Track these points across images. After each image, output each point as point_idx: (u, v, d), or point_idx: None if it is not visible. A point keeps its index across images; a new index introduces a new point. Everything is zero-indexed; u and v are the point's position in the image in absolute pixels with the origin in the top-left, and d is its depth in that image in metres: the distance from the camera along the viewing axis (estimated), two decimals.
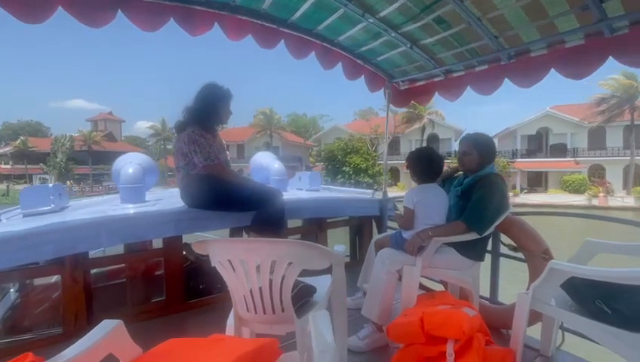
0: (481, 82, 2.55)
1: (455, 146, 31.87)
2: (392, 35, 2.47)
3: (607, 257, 1.61)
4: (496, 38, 2.20)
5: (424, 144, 32.73)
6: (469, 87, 2.63)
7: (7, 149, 43.59)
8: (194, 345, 0.99)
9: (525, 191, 26.90)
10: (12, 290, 2.71)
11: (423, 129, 31.37)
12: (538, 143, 30.42)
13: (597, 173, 26.96)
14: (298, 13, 2.33)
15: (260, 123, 37.32)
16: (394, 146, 33.24)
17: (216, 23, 2.20)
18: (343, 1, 2.19)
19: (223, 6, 2.17)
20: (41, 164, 37.56)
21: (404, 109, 28.95)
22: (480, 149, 1.94)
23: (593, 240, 1.71)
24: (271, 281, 1.23)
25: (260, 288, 1.25)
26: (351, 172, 24.59)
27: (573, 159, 27.61)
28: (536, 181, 29.15)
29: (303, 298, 1.40)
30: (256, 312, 1.31)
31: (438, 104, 30.38)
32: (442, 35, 2.34)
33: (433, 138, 33.20)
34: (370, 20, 2.34)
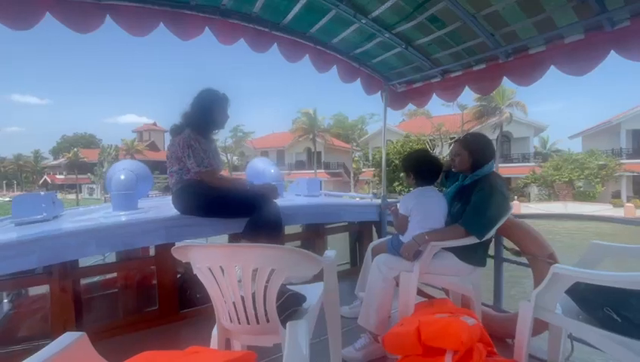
0: (479, 82, 2.50)
1: (533, 146, 27.36)
2: (386, 35, 2.42)
3: (619, 262, 1.50)
4: (492, 36, 2.14)
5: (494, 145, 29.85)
6: (467, 87, 2.57)
7: (62, 160, 46.02)
8: (167, 357, 0.93)
9: None
10: (5, 301, 2.68)
11: (501, 126, 24.62)
12: None
13: None
14: (290, 16, 2.30)
15: (303, 126, 33.14)
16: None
17: (207, 28, 2.18)
18: (334, 2, 2.16)
19: (214, 10, 2.16)
20: (89, 174, 38.83)
21: (476, 102, 24.98)
22: (470, 148, 1.90)
23: (600, 243, 1.61)
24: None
25: (242, 297, 1.18)
26: None
27: None
28: None
29: (290, 307, 1.32)
30: (239, 323, 1.23)
31: (521, 93, 24.67)
32: (437, 35, 2.29)
33: (504, 137, 26.21)
34: (363, 21, 2.30)
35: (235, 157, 39.11)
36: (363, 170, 31.81)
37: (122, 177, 2.36)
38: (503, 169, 24.34)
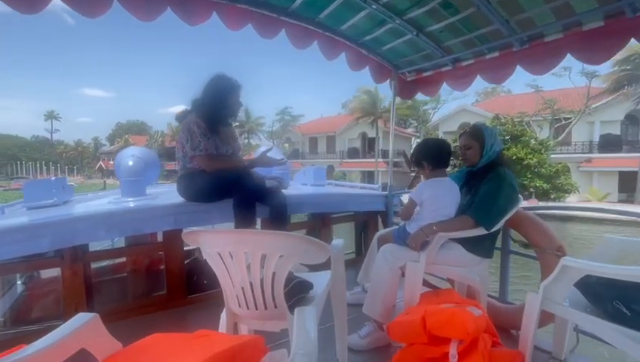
0: (491, 70, 2.44)
1: None
2: (397, 22, 2.36)
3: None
4: (507, 23, 2.08)
5: (614, 129, 19.79)
6: (478, 76, 2.51)
7: (115, 147, 47.79)
8: (175, 340, 0.94)
9: None
10: (19, 282, 2.75)
11: None
12: None
13: None
14: (299, 1, 2.25)
15: (362, 106, 27.34)
16: (561, 133, 21.21)
17: (214, 12, 2.14)
18: None
19: None
20: None
21: (616, 67, 17.83)
22: (480, 139, 1.86)
23: (613, 237, 1.58)
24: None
25: (251, 282, 1.19)
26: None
27: None
28: None
29: (297, 294, 1.34)
30: (248, 308, 1.25)
31: None
32: (450, 21, 2.23)
33: (632, 119, 19.11)
34: (374, 7, 2.24)
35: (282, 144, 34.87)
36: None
37: (130, 163, 2.37)
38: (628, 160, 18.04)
